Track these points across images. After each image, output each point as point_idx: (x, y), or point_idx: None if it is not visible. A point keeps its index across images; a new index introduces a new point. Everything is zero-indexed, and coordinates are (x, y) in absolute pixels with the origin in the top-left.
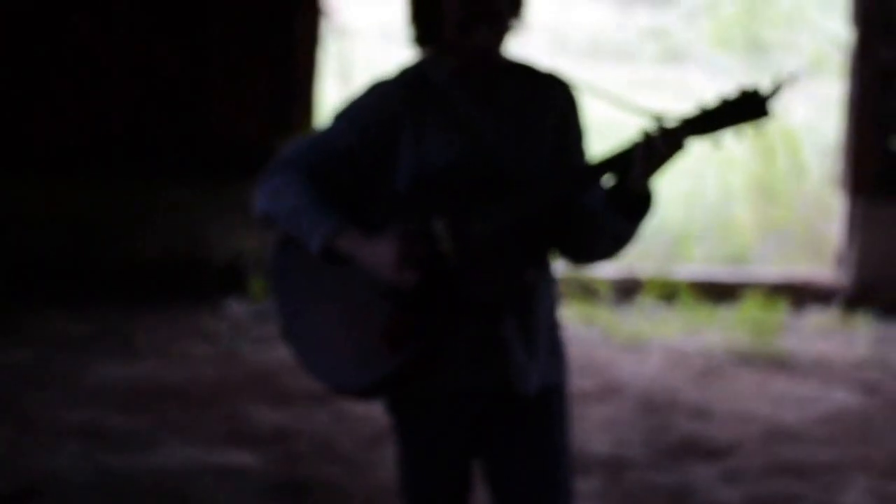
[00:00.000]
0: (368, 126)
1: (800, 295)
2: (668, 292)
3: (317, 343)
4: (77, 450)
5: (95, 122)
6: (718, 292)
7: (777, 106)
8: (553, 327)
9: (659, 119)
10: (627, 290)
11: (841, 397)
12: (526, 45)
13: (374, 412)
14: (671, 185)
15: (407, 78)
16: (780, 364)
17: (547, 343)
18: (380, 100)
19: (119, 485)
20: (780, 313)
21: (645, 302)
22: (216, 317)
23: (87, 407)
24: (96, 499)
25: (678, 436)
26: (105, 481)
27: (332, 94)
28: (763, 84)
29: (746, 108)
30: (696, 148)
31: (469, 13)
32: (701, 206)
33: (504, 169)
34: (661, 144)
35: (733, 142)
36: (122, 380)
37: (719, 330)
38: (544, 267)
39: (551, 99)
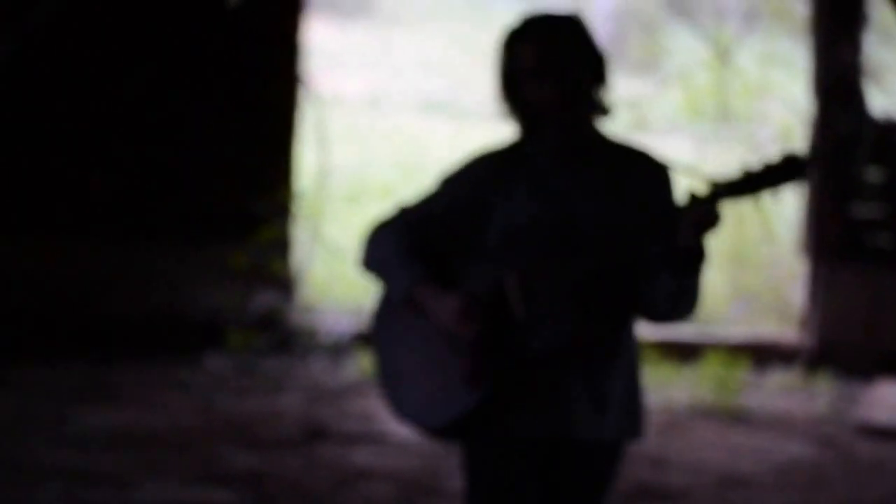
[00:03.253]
0: (461, 192)
1: (764, 355)
2: None
3: (404, 386)
4: (60, 489)
5: (83, 188)
6: (683, 351)
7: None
8: (631, 386)
9: (711, 183)
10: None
11: (796, 449)
12: None
13: (342, 457)
14: None
15: (505, 150)
16: (739, 418)
17: (623, 400)
18: (475, 169)
19: None
20: (743, 372)
21: None
22: (195, 370)
23: (70, 451)
24: None
25: (635, 483)
26: None
27: (309, 158)
28: (800, 151)
29: (786, 171)
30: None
31: (537, 64)
32: None
33: (583, 234)
34: (709, 206)
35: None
36: (103, 426)
37: (683, 387)
38: (618, 325)
39: (638, 175)
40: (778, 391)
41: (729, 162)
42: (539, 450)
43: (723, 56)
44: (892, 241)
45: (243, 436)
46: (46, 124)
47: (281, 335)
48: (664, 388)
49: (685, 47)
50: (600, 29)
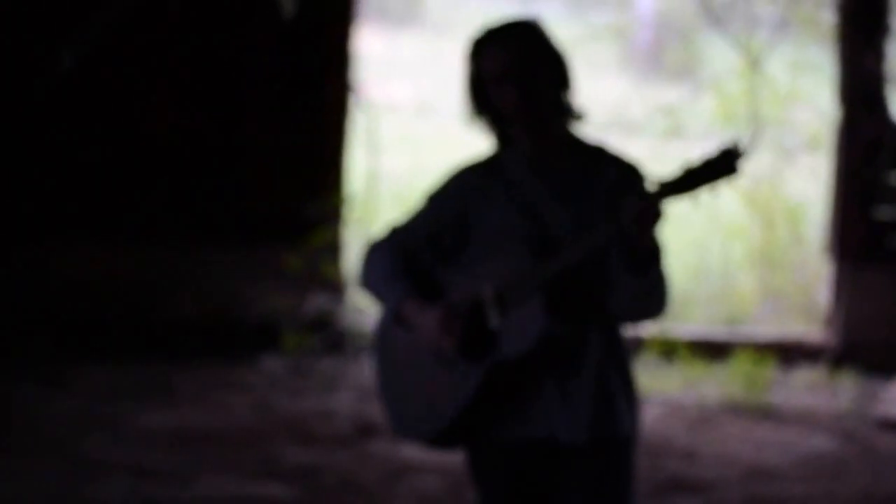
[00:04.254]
0: (444, 207)
1: (790, 353)
2: (668, 350)
3: (399, 400)
4: (124, 484)
5: (139, 193)
6: (714, 350)
7: (744, 167)
8: (606, 380)
9: (657, 182)
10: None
11: (819, 443)
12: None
13: (392, 452)
14: (679, 255)
15: (482, 163)
16: (766, 414)
17: (598, 395)
18: (455, 184)
19: None
20: (770, 370)
21: (646, 358)
22: (251, 370)
23: (133, 447)
24: None
25: (667, 474)
26: None
27: (360, 163)
28: (732, 144)
29: (722, 166)
30: (701, 221)
31: (498, 68)
32: (706, 274)
33: (555, 238)
34: (650, 204)
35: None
36: (164, 425)
37: (714, 384)
38: (589, 325)
39: (608, 176)
40: (803, 388)
41: (757, 168)
42: (529, 458)
43: (754, 64)
44: None
45: (298, 433)
46: (105, 131)
47: (333, 336)
48: (695, 385)
49: (719, 55)
50: (640, 38)
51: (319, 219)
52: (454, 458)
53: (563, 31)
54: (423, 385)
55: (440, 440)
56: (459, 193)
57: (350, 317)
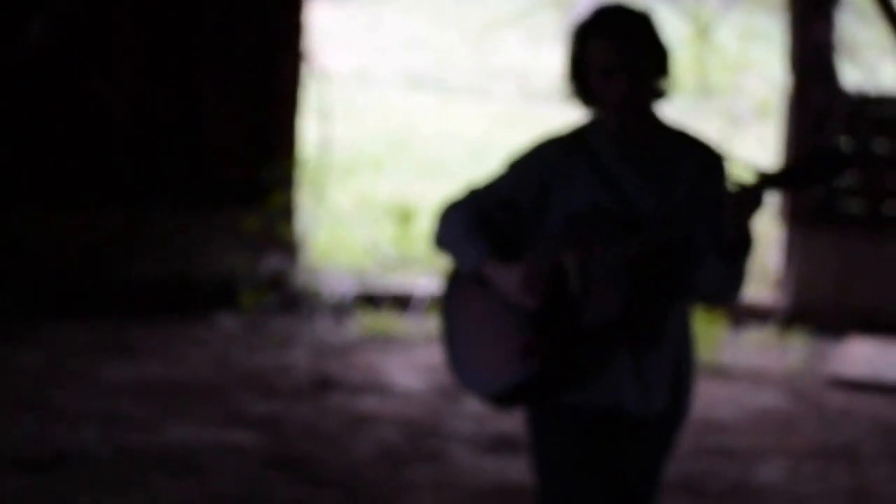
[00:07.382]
0: (526, 176)
1: (740, 315)
2: None
3: (466, 355)
4: (96, 430)
5: (101, 158)
6: None
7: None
8: (682, 357)
9: (758, 173)
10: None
11: (769, 399)
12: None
13: (349, 404)
14: None
15: (567, 136)
16: (716, 372)
17: (675, 371)
18: (537, 154)
19: (137, 456)
20: (721, 330)
21: None
22: (208, 328)
23: (101, 398)
24: (118, 467)
25: None
26: (124, 454)
27: (312, 131)
28: (839, 150)
29: (826, 170)
30: None
31: (609, 62)
32: None
33: (637, 218)
34: (754, 194)
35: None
36: (128, 377)
37: None
38: (667, 305)
39: (693, 161)
40: (754, 348)
41: (706, 134)
42: (591, 422)
43: (703, 32)
44: (863, 208)
45: (257, 386)
46: (62, 98)
47: (288, 295)
48: None
49: (666, 23)
50: (581, 8)
51: (274, 183)
52: (410, 410)
53: (505, 4)
54: (493, 343)
55: (502, 399)
56: (541, 163)
57: (303, 277)
